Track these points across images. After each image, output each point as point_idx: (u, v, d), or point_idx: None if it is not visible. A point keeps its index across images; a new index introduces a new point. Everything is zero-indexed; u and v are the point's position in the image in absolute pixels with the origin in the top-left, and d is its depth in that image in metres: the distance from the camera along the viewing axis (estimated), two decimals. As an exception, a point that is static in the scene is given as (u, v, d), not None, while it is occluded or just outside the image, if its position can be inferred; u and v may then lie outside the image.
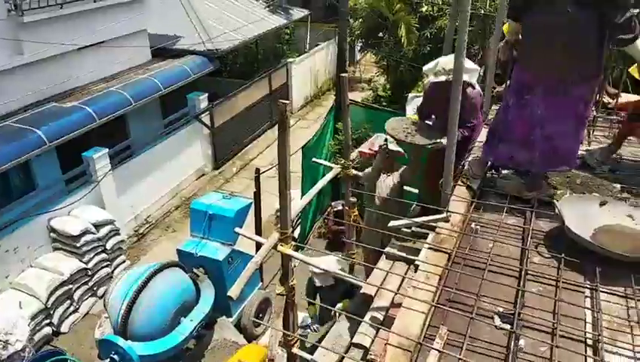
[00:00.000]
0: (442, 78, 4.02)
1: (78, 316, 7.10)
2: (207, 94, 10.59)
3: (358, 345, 2.65)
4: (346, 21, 10.87)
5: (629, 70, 4.40)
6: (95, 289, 7.42)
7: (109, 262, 7.67)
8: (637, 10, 7.45)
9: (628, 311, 2.42)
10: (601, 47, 2.88)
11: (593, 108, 4.33)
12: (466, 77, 4.21)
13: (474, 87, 3.92)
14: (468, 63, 4.40)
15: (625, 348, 2.19)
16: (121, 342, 5.02)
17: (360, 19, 12.41)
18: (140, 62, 10.15)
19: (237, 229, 4.74)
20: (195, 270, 6.11)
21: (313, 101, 15.51)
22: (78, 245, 7.12)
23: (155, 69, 9.89)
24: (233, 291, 3.71)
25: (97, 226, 7.47)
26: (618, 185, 3.51)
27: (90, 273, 7.28)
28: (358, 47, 15.66)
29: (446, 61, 3.97)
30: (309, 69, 15.07)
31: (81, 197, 7.62)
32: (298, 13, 15.02)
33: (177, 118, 10.57)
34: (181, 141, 10.07)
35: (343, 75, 5.45)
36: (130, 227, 8.88)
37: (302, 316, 6.77)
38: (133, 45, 9.79)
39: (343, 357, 2.91)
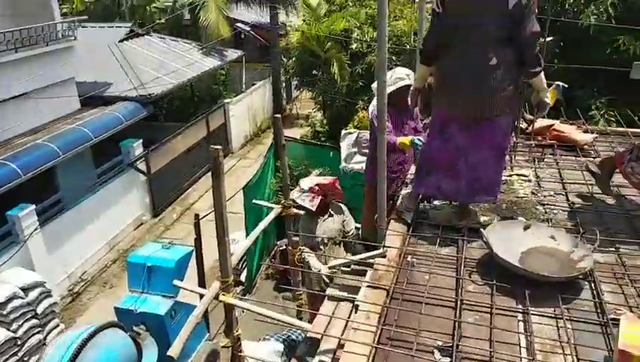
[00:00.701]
0: (402, 83, 4.20)
1: (8, 390, 6.50)
2: (141, 140, 10.35)
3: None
4: (278, 61, 11.08)
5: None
6: (26, 359, 6.84)
7: (40, 328, 7.11)
8: (550, 38, 7.96)
9: (558, 331, 2.50)
10: (513, 82, 3.07)
11: (513, 135, 4.60)
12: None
13: None
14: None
15: (558, 369, 2.26)
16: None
17: (293, 58, 12.69)
18: (69, 112, 9.84)
19: (176, 282, 4.57)
20: (135, 328, 5.80)
21: (253, 140, 15.54)
22: (4, 313, 6.57)
23: (85, 117, 9.61)
24: (173, 349, 3.54)
25: (26, 290, 6.95)
26: (541, 207, 3.70)
27: (19, 342, 6.71)
28: (294, 85, 15.96)
29: (400, 70, 4.30)
30: (246, 108, 15.15)
31: (7, 259, 7.12)
32: (232, 54, 15.17)
33: (111, 166, 10.22)
34: (116, 190, 9.72)
35: (277, 115, 5.51)
36: (63, 287, 8.37)
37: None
38: (61, 95, 9.47)
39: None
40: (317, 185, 4.83)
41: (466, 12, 2.97)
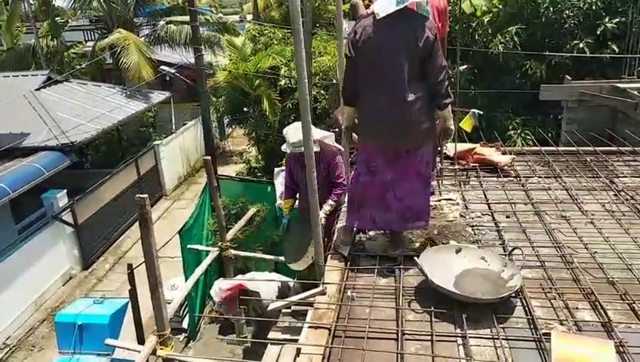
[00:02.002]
0: (297, 151, 4.34)
1: None
2: (65, 191, 9.80)
3: None
4: (207, 101, 11.00)
5: (460, 125, 5.00)
6: None
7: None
8: (464, 67, 8.48)
9: (496, 351, 2.57)
10: (430, 114, 3.21)
11: (438, 161, 4.80)
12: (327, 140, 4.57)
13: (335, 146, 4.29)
14: (320, 132, 4.74)
15: (499, 391, 2.31)
16: None
17: (222, 97, 12.68)
18: (-18, 167, 9.16)
19: (108, 341, 4.30)
20: (68, 393, 5.37)
21: (187, 180, 15.17)
22: None
23: (0, 171, 8.97)
24: (109, 416, 3.31)
25: (-62, 366, 6.28)
26: (470, 229, 3.85)
27: None
28: (226, 122, 15.87)
29: (291, 134, 4.51)
30: (178, 149, 14.81)
31: None
32: (159, 96, 14.87)
33: (34, 220, 9.58)
34: (40, 245, 9.07)
35: (207, 157, 5.46)
36: (-16, 356, 7.62)
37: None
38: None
39: None
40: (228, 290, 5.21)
41: (379, 53, 3.10)
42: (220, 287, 5.00)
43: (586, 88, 7.22)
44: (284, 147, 4.84)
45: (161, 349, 3.66)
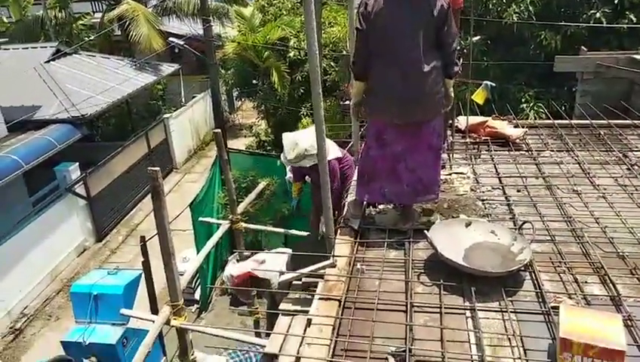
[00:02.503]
0: (307, 164, 4.30)
1: None
2: (77, 163, 9.90)
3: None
4: (216, 74, 10.92)
5: (472, 97, 4.94)
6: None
7: (-21, 372, 6.68)
8: (477, 37, 8.33)
9: (504, 324, 2.60)
10: (440, 85, 3.17)
11: (449, 134, 4.76)
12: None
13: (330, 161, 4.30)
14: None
15: (506, 362, 2.35)
16: None
17: (231, 69, 12.58)
18: (-5, 139, 9.26)
19: (123, 311, 4.41)
20: (85, 360, 5.52)
21: (197, 153, 15.24)
22: (-63, 361, 6.11)
23: (13, 144, 9.06)
24: (126, 381, 3.42)
25: (-40, 333, 6.50)
26: (480, 203, 3.85)
27: (-44, 390, 6.26)
28: (235, 95, 15.79)
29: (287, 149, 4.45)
30: (188, 122, 14.83)
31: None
32: (168, 68, 14.81)
33: (47, 193, 9.71)
34: (54, 218, 9.24)
35: (217, 130, 5.44)
36: (3, 325, 7.87)
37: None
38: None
39: None
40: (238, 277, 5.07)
41: (393, 25, 3.04)
42: (232, 274, 5.05)
43: (602, 60, 7.07)
44: (282, 159, 4.76)
45: (175, 319, 3.73)
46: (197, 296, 8.23)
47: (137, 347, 5.85)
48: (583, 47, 7.55)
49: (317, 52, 2.81)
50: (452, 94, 3.31)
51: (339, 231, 3.55)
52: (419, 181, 3.38)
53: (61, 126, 10.01)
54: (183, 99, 15.47)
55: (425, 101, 3.16)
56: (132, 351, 5.82)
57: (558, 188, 4.05)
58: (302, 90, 11.70)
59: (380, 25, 3.05)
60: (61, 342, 5.73)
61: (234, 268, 5.17)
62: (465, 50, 5.17)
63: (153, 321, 3.87)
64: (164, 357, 6.76)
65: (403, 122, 3.22)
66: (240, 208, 5.95)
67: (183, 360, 3.92)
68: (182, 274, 4.06)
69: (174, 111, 14.28)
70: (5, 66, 10.89)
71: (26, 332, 8.01)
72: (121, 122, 14.23)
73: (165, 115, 13.70)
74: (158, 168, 3.47)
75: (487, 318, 2.65)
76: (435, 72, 3.10)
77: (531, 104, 8.44)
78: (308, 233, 5.32)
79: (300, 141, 4.45)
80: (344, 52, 10.35)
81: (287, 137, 4.62)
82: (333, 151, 4.64)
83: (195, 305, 8.18)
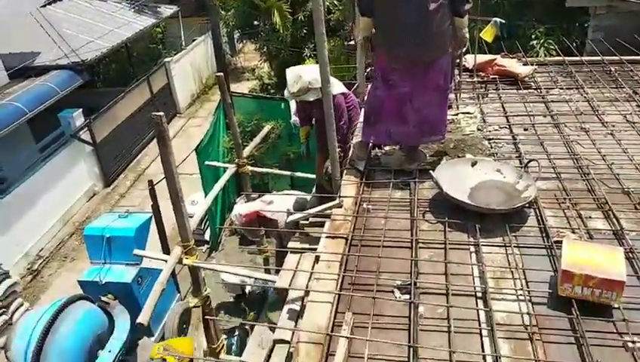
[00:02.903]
0: (310, 98, 4.22)
1: (-22, 376, 6.41)
2: (81, 110, 9.86)
3: (280, 341, 2.71)
4: (216, 15, 10.59)
5: (481, 35, 4.80)
6: (-8, 342, 6.72)
7: (4, 309, 6.96)
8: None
9: (507, 258, 2.67)
10: (447, 24, 3.09)
11: (457, 74, 4.68)
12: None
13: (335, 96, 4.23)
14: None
15: (509, 294, 2.43)
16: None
17: (232, 10, 12.20)
18: (-4, 87, 9.19)
19: (136, 251, 4.54)
20: (103, 298, 5.76)
21: (200, 97, 15.08)
22: (-38, 300, 6.36)
23: (16, 91, 8.99)
24: (143, 317, 3.58)
25: (-19, 275, 6.73)
26: (487, 143, 3.84)
27: (-17, 327, 6.57)
28: (237, 37, 15.40)
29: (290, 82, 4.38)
30: (189, 66, 14.58)
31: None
32: (166, 10, 14.38)
33: (53, 139, 9.74)
34: (62, 164, 9.32)
35: (220, 74, 5.37)
36: (21, 266, 8.13)
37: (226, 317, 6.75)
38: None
39: (269, 356, 2.96)
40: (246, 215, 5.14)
41: None
42: (240, 213, 5.14)
43: (617, -7, 6.80)
44: (285, 93, 4.68)
45: (187, 258, 3.86)
46: (207, 236, 8.43)
47: (152, 285, 6.07)
48: (597, -21, 7.23)
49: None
50: (466, 35, 3.22)
51: (345, 172, 3.58)
52: (425, 121, 3.36)
53: (62, 72, 9.88)
54: (184, 43, 15.12)
55: (431, 40, 3.09)
56: (147, 289, 6.05)
57: (565, 125, 4.03)
58: (305, 31, 11.38)
59: None
60: (78, 281, 5.96)
61: (242, 208, 5.26)
62: (474, -15, 4.98)
63: (165, 261, 4.00)
64: (178, 294, 7.03)
65: (409, 61, 3.16)
66: (246, 152, 5.99)
67: (197, 295, 4.08)
68: (191, 217, 4.15)
69: (175, 55, 14.01)
70: (1, 12, 10.61)
71: (43, 272, 8.30)
72: (122, 67, 13.98)
73: (166, 59, 13.45)
74: (162, 113, 3.46)
75: (491, 253, 2.72)
76: (441, 10, 3.01)
77: (541, 41, 8.19)
78: (314, 175, 5.37)
79: (304, 74, 4.40)
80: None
81: (292, 70, 4.57)
82: (338, 86, 4.59)
83: (206, 245, 8.39)
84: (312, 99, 4.41)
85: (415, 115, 3.32)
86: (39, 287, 8.01)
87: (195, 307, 4.21)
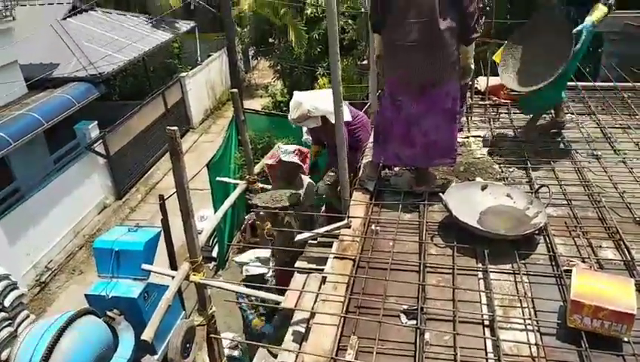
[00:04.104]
0: (310, 125, 4.25)
1: (-18, 386, 6.41)
2: (96, 122, 10.00)
3: (284, 364, 2.69)
4: (233, 31, 10.77)
5: (494, 58, 4.81)
6: (-2, 352, 6.74)
7: (10, 321, 6.99)
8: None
9: (516, 286, 2.64)
10: (454, 47, 3.11)
11: (468, 96, 4.69)
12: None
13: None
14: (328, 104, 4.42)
15: (517, 323, 2.40)
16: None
17: (247, 27, 12.39)
18: (15, 97, 9.36)
19: (145, 266, 4.55)
20: (109, 313, 5.76)
21: (214, 113, 15.23)
22: (-30, 309, 6.41)
23: (34, 102, 9.17)
24: (147, 333, 3.56)
25: (-10, 284, 6.78)
26: (497, 167, 3.82)
27: (-11, 337, 6.59)
28: (251, 54, 15.61)
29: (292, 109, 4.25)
30: (204, 81, 14.77)
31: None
32: (184, 25, 14.64)
33: (67, 151, 9.88)
34: (75, 175, 9.43)
35: (234, 90, 5.43)
36: (29, 277, 8.18)
37: (231, 335, 6.68)
38: (5, 81, 8.99)
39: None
40: (298, 149, 4.98)
41: None
42: (289, 150, 5.05)
43: (631, 19, 6.79)
44: (289, 117, 4.68)
45: (194, 275, 3.85)
46: (214, 254, 8.43)
47: (158, 301, 6.06)
48: (611, 5, 7.23)
49: (335, 9, 2.76)
50: (472, 65, 3.24)
51: (354, 192, 3.58)
52: (433, 145, 3.36)
53: (79, 84, 10.06)
54: (199, 58, 15.36)
55: (439, 60, 3.10)
56: (153, 305, 6.04)
57: (577, 151, 4.00)
58: (319, 49, 11.51)
59: None
60: (85, 295, 5.97)
61: (290, 148, 5.21)
62: (488, 8, 5.01)
63: (173, 277, 4.00)
64: (184, 312, 7.02)
65: (416, 81, 3.17)
66: (256, 168, 6.02)
67: (202, 313, 4.07)
68: (200, 233, 4.16)
69: (190, 70, 14.21)
70: (22, 24, 10.88)
71: (51, 285, 8.34)
72: (138, 81, 14.22)
73: (182, 74, 13.65)
74: (176, 128, 3.50)
75: (499, 280, 2.69)
76: (449, 32, 3.04)
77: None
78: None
79: (305, 102, 4.38)
80: (362, 9, 10.10)
81: (295, 96, 4.56)
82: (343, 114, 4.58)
83: (213, 263, 8.39)
84: (311, 127, 4.39)
85: (422, 138, 3.32)
86: (46, 299, 8.05)
87: (200, 325, 4.20)
